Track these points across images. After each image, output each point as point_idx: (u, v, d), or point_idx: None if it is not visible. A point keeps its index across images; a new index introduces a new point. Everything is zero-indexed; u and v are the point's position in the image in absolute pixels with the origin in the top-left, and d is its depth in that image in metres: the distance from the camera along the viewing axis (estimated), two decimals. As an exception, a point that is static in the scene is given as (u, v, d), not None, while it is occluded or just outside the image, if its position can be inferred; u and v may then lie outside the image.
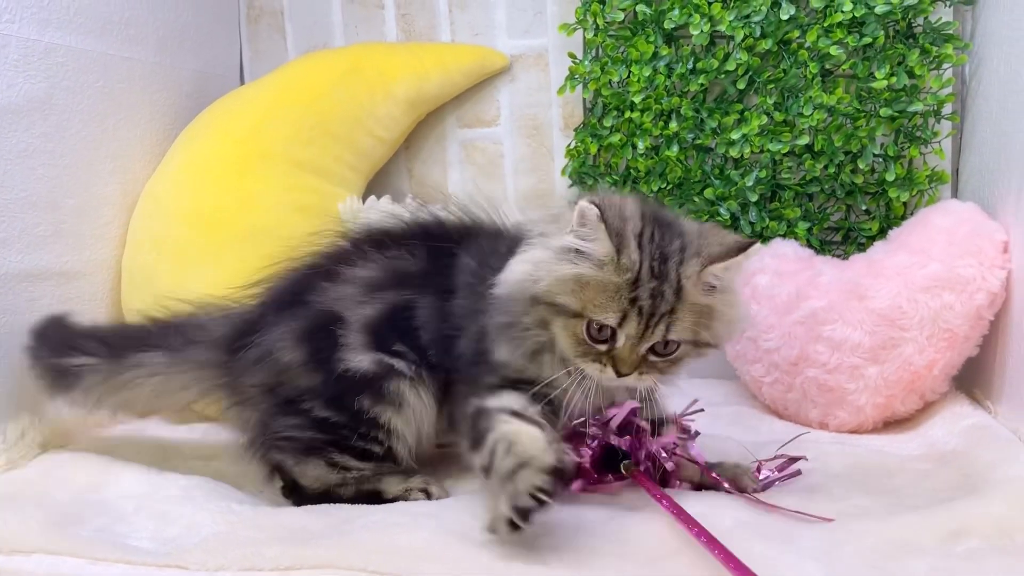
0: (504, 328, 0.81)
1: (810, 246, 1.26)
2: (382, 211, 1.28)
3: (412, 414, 0.88)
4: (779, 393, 1.16)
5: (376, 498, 0.87)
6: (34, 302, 1.09)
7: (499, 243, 0.88)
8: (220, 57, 1.48)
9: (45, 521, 0.79)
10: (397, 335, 0.88)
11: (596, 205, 0.75)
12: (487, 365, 0.83)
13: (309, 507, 0.85)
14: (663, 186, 1.30)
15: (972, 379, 1.12)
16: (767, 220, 1.27)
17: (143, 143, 1.28)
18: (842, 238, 1.27)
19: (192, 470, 0.93)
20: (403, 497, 0.87)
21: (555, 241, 0.78)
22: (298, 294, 0.92)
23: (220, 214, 1.19)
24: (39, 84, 1.09)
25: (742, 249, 0.76)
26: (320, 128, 1.29)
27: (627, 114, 1.29)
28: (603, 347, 0.77)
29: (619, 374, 0.77)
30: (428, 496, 0.87)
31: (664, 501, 0.75)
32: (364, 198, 1.35)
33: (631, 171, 1.32)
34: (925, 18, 1.20)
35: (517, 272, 0.79)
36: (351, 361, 0.86)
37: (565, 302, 0.77)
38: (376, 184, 1.43)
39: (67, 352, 0.96)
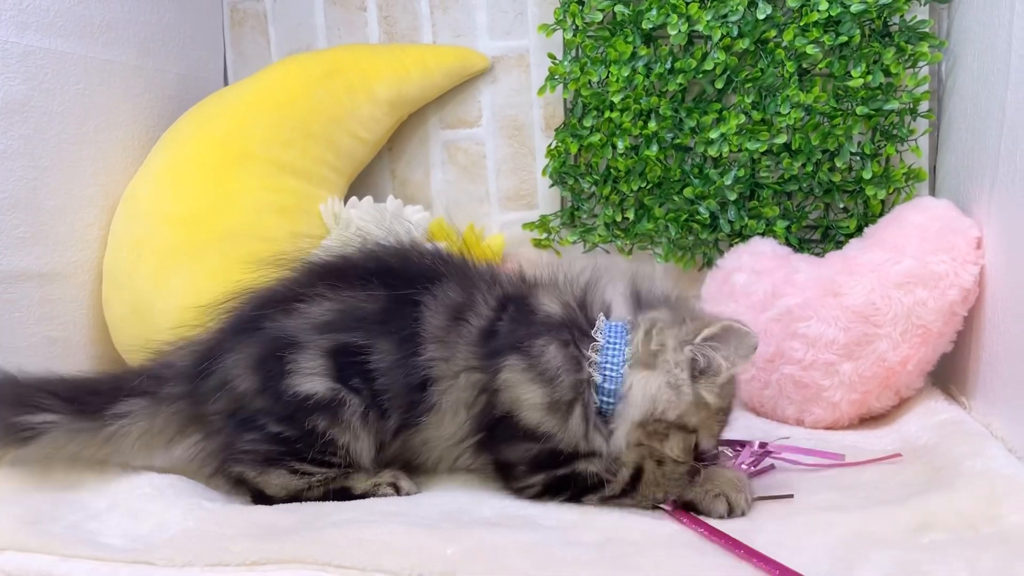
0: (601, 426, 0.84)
1: (789, 244, 1.26)
2: (363, 213, 1.28)
3: (364, 445, 0.88)
4: (755, 390, 1.16)
5: (345, 494, 0.87)
6: (14, 303, 1.10)
7: (479, 293, 0.90)
8: (203, 60, 1.48)
9: (18, 518, 0.79)
10: (354, 371, 0.87)
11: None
12: (517, 433, 0.85)
13: (281, 505, 0.85)
14: (643, 185, 1.31)
15: (947, 374, 1.12)
16: (746, 219, 1.28)
17: (124, 145, 1.29)
18: (821, 236, 1.28)
19: (167, 469, 0.93)
20: (372, 493, 0.87)
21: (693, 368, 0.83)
22: (253, 320, 0.91)
23: (199, 215, 1.19)
24: (18, 86, 1.09)
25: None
26: (301, 129, 1.30)
27: (607, 114, 1.29)
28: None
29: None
30: (397, 491, 0.88)
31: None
32: (346, 199, 1.35)
33: (611, 171, 1.32)
34: (901, 17, 1.20)
35: (654, 399, 0.82)
36: (301, 385, 0.86)
37: (689, 422, 0.83)
38: (359, 185, 1.43)
39: (25, 409, 0.88)
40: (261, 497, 0.88)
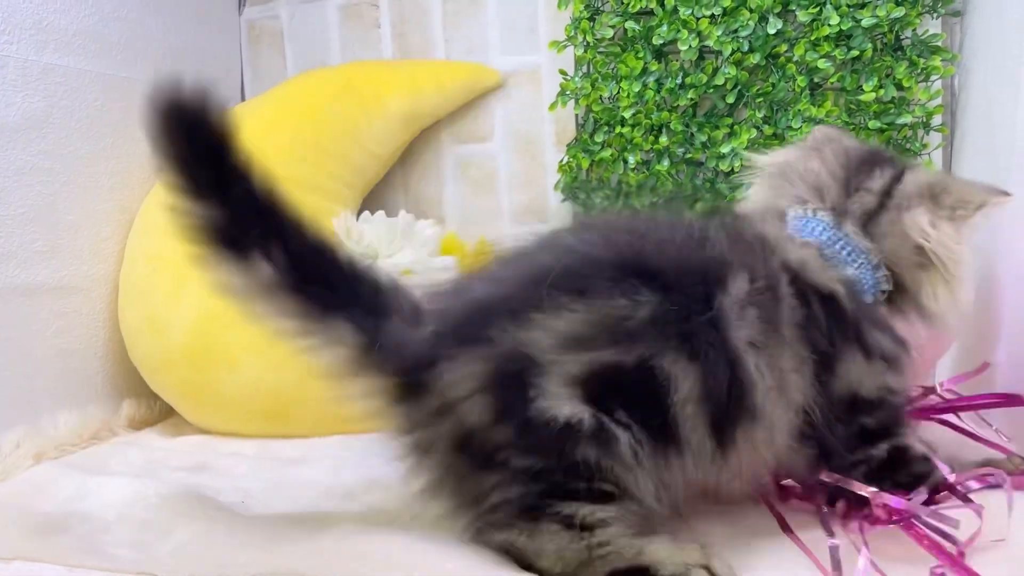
0: None
1: (801, 259, 1.26)
2: (375, 227, 1.29)
3: (645, 482, 0.69)
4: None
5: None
6: (31, 316, 1.12)
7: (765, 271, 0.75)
8: (220, 77, 1.51)
9: (28, 529, 0.80)
10: (619, 402, 0.68)
11: None
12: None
13: (290, 514, 0.86)
14: (655, 200, 1.31)
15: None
16: (758, 233, 1.27)
17: (141, 161, 1.31)
18: (833, 251, 1.27)
19: (177, 481, 0.94)
20: None
21: None
22: (478, 326, 0.70)
23: (214, 229, 1.21)
24: (37, 103, 1.12)
25: None
26: (315, 145, 1.31)
27: (618, 129, 1.30)
28: None
29: None
30: None
31: None
32: (359, 213, 1.36)
33: (623, 186, 1.32)
34: (912, 30, 1.20)
35: None
36: (558, 409, 0.67)
37: None
38: (372, 199, 1.44)
39: None
40: (532, 571, 0.68)
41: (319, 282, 0.73)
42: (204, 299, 1.17)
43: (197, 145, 0.73)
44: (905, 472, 0.77)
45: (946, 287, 0.81)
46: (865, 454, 0.77)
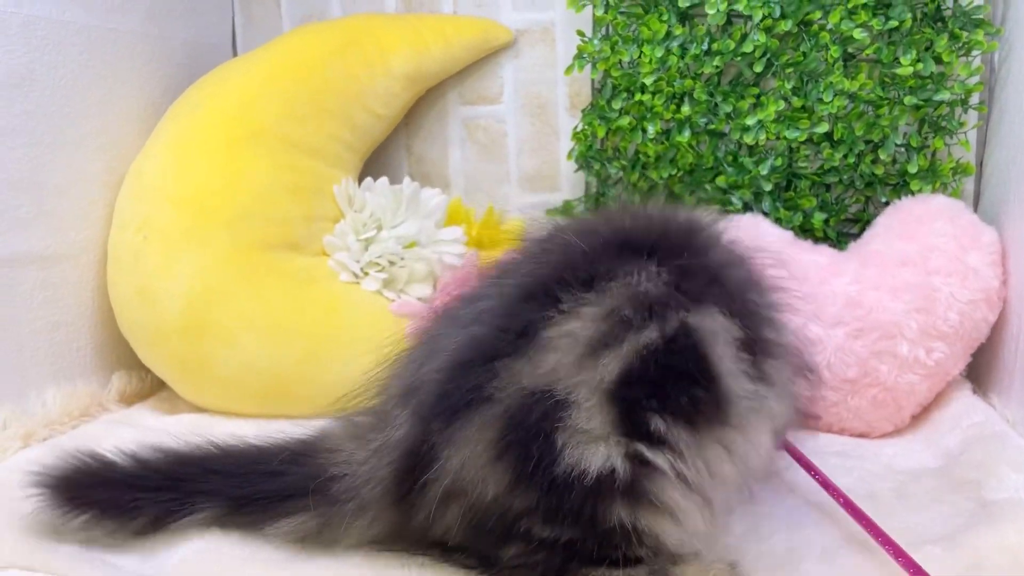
0: None
1: (827, 238, 1.21)
2: (378, 196, 1.23)
3: (693, 515, 0.62)
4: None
5: None
6: (16, 287, 1.05)
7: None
8: (212, 25, 1.41)
9: (23, 537, 0.75)
10: (657, 397, 0.60)
11: None
12: None
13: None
14: (673, 172, 1.24)
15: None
16: (781, 210, 1.22)
17: (130, 118, 1.23)
18: (860, 230, 1.22)
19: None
20: None
21: None
22: (474, 388, 0.61)
23: (208, 195, 1.14)
24: (18, 59, 1.03)
25: None
26: (315, 104, 1.23)
27: (637, 96, 1.23)
28: None
29: None
30: None
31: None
32: (361, 176, 1.30)
33: (640, 156, 1.26)
34: (955, 1, 1.13)
35: None
36: (583, 462, 0.59)
37: None
38: (373, 162, 1.37)
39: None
40: None
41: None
42: (199, 270, 1.11)
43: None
44: None
45: None
46: None
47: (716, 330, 0.63)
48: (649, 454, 0.60)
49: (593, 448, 0.59)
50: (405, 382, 0.69)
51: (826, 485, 0.76)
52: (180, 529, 0.73)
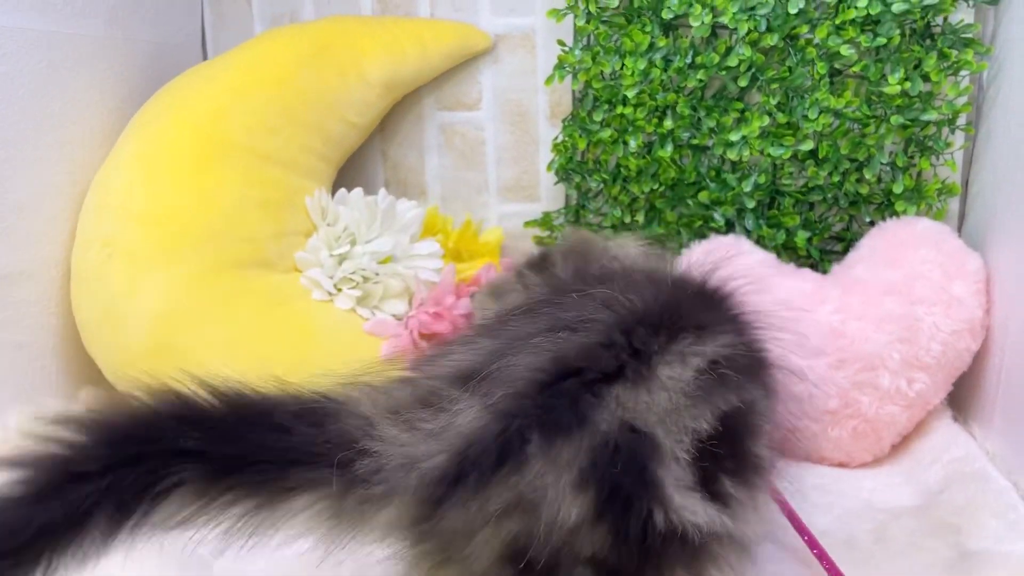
0: None
1: (809, 256, 1.19)
2: (353, 208, 1.19)
3: None
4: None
5: None
6: (-27, 311, 1.01)
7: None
8: (179, 25, 1.36)
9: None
10: (735, 458, 0.58)
11: None
12: None
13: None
14: (655, 187, 1.22)
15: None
16: (764, 227, 1.19)
17: (93, 127, 1.18)
18: (844, 249, 1.20)
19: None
20: None
21: None
22: (584, 408, 0.55)
23: (176, 214, 1.10)
24: (-28, 72, 0.98)
25: None
26: (287, 116, 1.19)
27: (619, 109, 1.20)
28: None
29: None
30: None
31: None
32: (334, 188, 1.26)
33: (621, 169, 1.23)
34: (945, 19, 1.10)
35: None
36: (678, 510, 0.54)
37: None
38: (348, 168, 1.33)
39: None
40: None
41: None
42: (165, 292, 1.07)
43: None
44: None
45: None
46: None
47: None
48: (721, 516, 0.56)
49: (682, 501, 0.54)
50: (467, 366, 0.60)
51: (812, 545, 0.75)
52: (159, 520, 0.52)
